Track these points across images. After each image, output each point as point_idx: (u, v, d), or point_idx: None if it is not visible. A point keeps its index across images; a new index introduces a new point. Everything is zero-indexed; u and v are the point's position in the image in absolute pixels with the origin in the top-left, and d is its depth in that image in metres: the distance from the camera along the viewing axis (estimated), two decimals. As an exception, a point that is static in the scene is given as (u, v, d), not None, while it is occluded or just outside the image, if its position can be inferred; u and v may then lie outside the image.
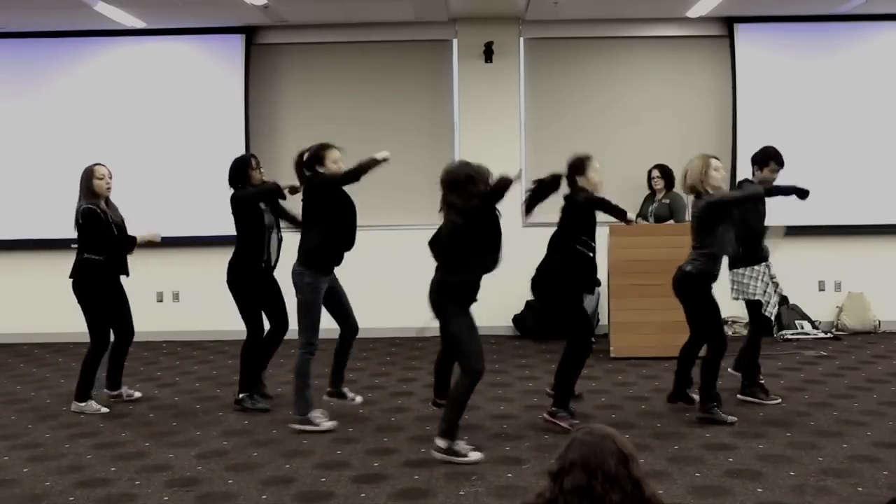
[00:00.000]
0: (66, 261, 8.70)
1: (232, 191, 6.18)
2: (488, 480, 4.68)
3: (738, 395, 6.13)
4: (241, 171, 6.19)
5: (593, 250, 5.57)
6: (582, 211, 5.57)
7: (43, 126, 8.91)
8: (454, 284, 5.06)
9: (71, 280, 6.33)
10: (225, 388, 6.85)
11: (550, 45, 9.00)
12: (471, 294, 5.11)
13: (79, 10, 7.68)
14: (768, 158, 6.24)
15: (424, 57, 9.07)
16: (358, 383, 6.78)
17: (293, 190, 6.05)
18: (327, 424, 5.64)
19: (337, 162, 5.66)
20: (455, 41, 8.91)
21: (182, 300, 9.01)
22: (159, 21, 8.49)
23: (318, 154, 5.67)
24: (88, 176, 6.23)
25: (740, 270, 6.08)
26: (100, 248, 6.20)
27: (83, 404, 6.22)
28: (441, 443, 5.01)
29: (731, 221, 5.68)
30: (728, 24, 8.75)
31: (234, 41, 8.83)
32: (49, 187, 8.86)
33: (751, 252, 6.07)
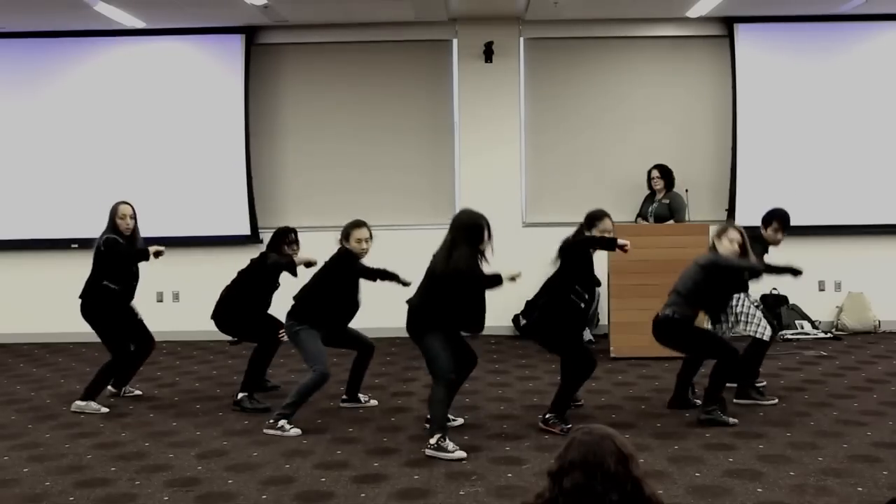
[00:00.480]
0: (66, 261, 8.76)
1: (264, 250, 6.56)
2: (488, 480, 4.68)
3: (735, 400, 6.12)
4: (276, 242, 6.45)
5: (586, 301, 5.56)
6: (576, 255, 5.55)
7: (43, 126, 8.90)
8: (435, 310, 5.28)
9: (80, 301, 6.42)
10: (225, 388, 6.85)
11: (550, 45, 8.99)
12: (451, 318, 5.30)
13: (79, 10, 7.67)
14: (771, 219, 6.27)
15: (424, 57, 9.07)
16: (360, 387, 6.77)
17: (308, 264, 6.29)
18: (293, 432, 5.63)
19: (361, 241, 5.88)
20: (455, 41, 8.90)
21: (182, 300, 9.00)
22: (159, 21, 8.49)
23: (346, 231, 5.92)
24: (113, 213, 6.37)
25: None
26: (117, 278, 6.32)
27: (83, 403, 6.25)
28: (431, 440, 5.17)
29: (722, 283, 5.72)
30: (728, 24, 8.74)
31: (234, 41, 8.83)
32: (49, 187, 8.87)
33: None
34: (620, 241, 5.41)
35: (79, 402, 6.27)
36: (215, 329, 8.45)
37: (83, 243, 8.65)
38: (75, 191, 8.80)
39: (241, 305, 6.42)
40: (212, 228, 8.77)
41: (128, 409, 6.30)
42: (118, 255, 6.28)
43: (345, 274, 5.86)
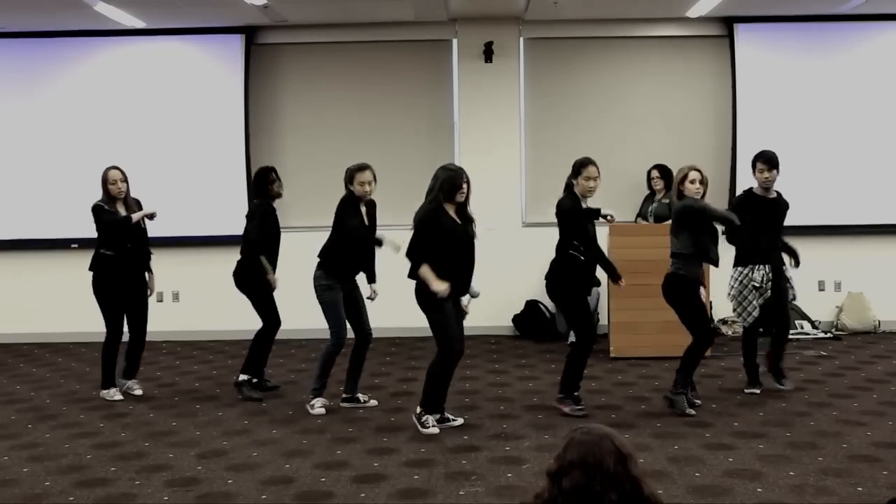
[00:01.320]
0: (66, 261, 8.77)
1: (255, 201, 6.65)
2: (488, 480, 4.68)
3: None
4: (261, 184, 6.53)
5: (583, 254, 5.84)
6: (566, 219, 5.86)
7: (43, 126, 8.90)
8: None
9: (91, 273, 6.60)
10: (225, 388, 6.85)
11: (550, 45, 8.99)
12: (444, 272, 5.44)
13: (79, 10, 7.67)
14: (755, 161, 6.46)
15: (424, 57, 9.07)
16: (358, 383, 6.78)
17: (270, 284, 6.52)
18: (318, 411, 6.03)
19: (364, 184, 6.04)
20: (455, 41, 8.90)
21: (182, 300, 9.00)
22: (159, 21, 8.49)
23: (350, 174, 6.09)
24: (103, 180, 6.55)
25: (732, 272, 6.40)
26: (109, 243, 6.47)
27: (104, 391, 6.57)
28: (418, 409, 5.64)
29: (708, 230, 5.92)
30: (728, 24, 8.74)
31: (234, 41, 8.83)
32: (49, 187, 8.87)
33: (743, 252, 6.35)
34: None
35: (102, 392, 6.58)
36: (215, 329, 8.46)
37: (83, 243, 8.66)
38: (75, 191, 8.78)
39: (247, 258, 6.50)
40: (212, 228, 8.77)
41: (128, 409, 6.30)
42: (99, 223, 6.47)
43: (351, 211, 6.06)
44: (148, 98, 8.87)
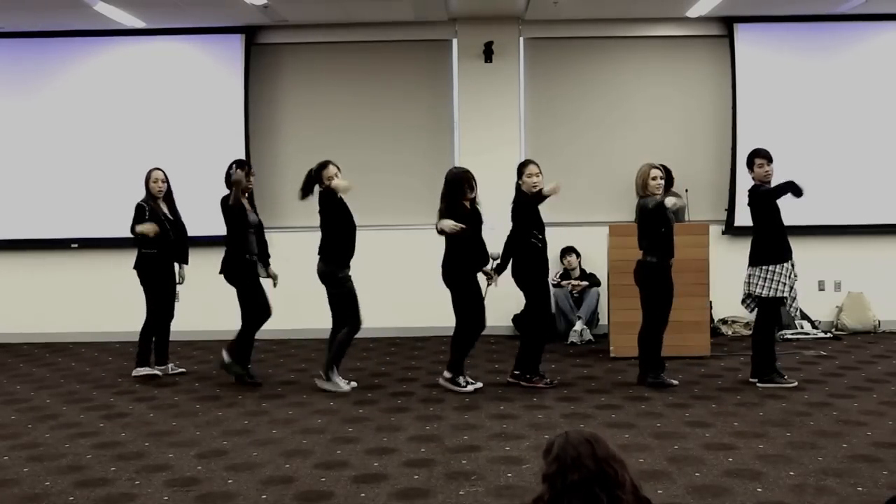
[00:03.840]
0: (66, 261, 8.79)
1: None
2: (488, 480, 4.68)
3: (759, 385, 6.46)
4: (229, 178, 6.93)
5: (543, 242, 6.53)
6: (524, 210, 6.54)
7: (43, 126, 8.90)
8: (449, 260, 6.51)
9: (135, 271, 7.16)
10: (225, 388, 6.85)
11: (550, 45, 8.99)
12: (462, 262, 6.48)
13: (79, 10, 7.68)
14: (752, 157, 6.61)
15: (424, 57, 9.07)
16: (358, 383, 6.79)
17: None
18: (346, 388, 6.55)
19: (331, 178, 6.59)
20: (455, 41, 8.90)
21: (182, 300, 8.98)
22: (159, 21, 8.49)
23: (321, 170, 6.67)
24: (146, 178, 7.23)
25: (767, 267, 6.43)
26: (150, 241, 7.04)
27: (140, 369, 7.15)
28: (446, 374, 6.50)
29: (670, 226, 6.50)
30: (728, 23, 8.74)
31: (234, 41, 8.83)
32: (49, 187, 8.87)
33: (776, 250, 6.43)
34: (545, 191, 6.40)
35: (136, 369, 7.12)
36: (215, 329, 8.47)
37: (83, 243, 8.69)
38: (75, 191, 8.81)
39: (227, 248, 6.94)
40: (212, 228, 8.73)
41: (128, 409, 6.30)
42: (136, 220, 7.05)
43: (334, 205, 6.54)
44: (148, 98, 8.87)
